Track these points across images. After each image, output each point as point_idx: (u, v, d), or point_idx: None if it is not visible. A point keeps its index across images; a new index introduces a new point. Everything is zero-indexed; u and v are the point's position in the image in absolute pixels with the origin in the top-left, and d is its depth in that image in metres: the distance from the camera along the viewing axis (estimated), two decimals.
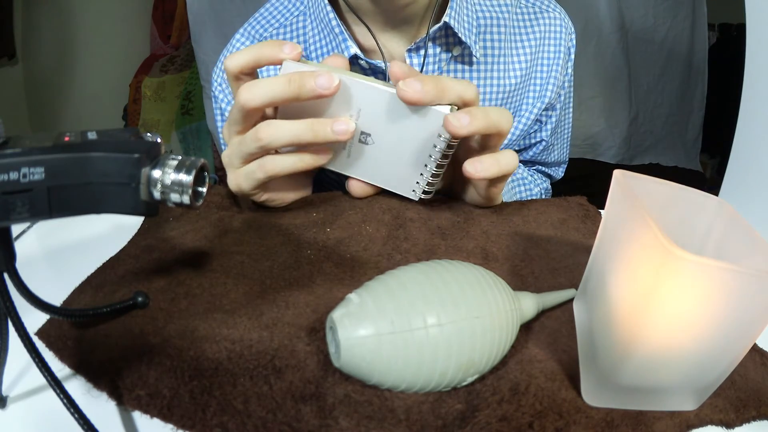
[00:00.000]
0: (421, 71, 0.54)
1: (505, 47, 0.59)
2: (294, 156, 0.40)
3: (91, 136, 0.24)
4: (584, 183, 0.75)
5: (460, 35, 0.54)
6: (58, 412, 0.24)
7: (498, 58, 0.59)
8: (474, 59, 0.57)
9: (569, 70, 0.65)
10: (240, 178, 0.41)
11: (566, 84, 0.65)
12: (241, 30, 0.61)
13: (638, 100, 1.95)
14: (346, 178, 0.45)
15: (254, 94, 0.36)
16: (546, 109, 0.64)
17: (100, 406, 0.26)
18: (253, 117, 0.39)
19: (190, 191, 0.24)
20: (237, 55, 0.38)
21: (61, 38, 2.14)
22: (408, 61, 0.54)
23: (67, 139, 0.23)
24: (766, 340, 0.32)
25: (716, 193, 0.71)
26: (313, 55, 0.57)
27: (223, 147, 0.68)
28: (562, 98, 0.65)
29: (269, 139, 0.37)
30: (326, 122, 0.38)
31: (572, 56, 0.64)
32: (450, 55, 0.56)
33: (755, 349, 0.32)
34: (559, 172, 0.76)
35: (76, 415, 0.23)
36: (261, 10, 0.62)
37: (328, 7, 0.53)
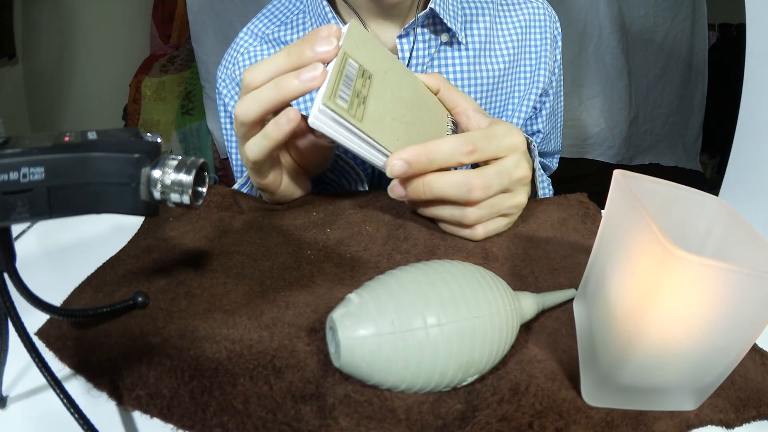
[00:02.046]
0: (410, 55, 0.57)
1: (491, 35, 0.62)
2: (258, 136, 0.39)
3: (91, 136, 0.24)
4: (584, 183, 0.75)
5: (446, 22, 0.57)
6: (58, 412, 0.24)
7: (485, 45, 0.62)
8: (462, 46, 0.60)
9: (558, 57, 0.67)
10: (245, 159, 0.41)
11: (556, 70, 0.67)
12: (245, 29, 0.64)
13: (638, 100, 1.95)
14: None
15: (255, 74, 0.37)
16: (540, 95, 0.66)
17: (100, 406, 0.26)
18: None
19: (190, 191, 0.24)
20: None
21: (61, 38, 2.14)
22: (399, 46, 0.57)
23: (67, 139, 0.23)
24: (766, 340, 0.32)
25: (716, 193, 0.71)
26: None
27: (226, 146, 0.69)
28: (554, 84, 0.68)
29: (242, 111, 0.38)
30: (292, 75, 0.36)
31: (559, 44, 0.67)
32: (439, 40, 0.59)
33: (755, 349, 0.32)
34: (554, 163, 0.78)
35: (76, 415, 0.23)
36: (264, 10, 0.65)
37: (324, 2, 0.57)
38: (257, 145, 0.39)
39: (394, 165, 0.37)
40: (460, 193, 0.38)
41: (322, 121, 0.36)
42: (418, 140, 0.41)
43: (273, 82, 0.37)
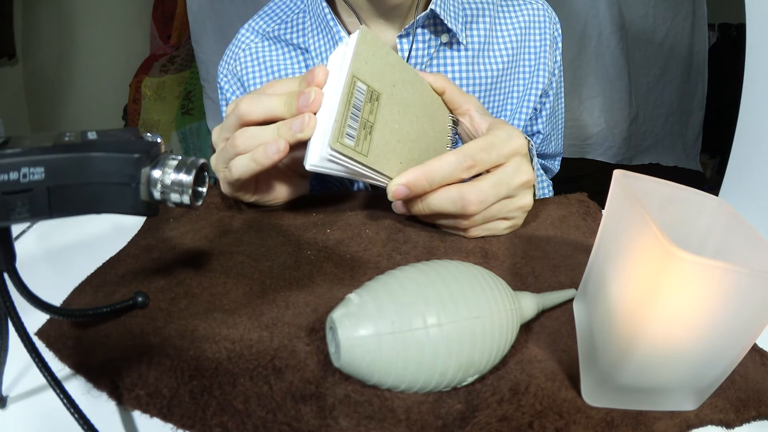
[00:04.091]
0: (409, 56, 0.57)
1: (490, 35, 0.62)
2: (246, 157, 0.39)
3: (91, 136, 0.24)
4: (584, 183, 0.75)
5: (446, 22, 0.57)
6: (58, 412, 0.24)
7: (484, 45, 0.62)
8: (462, 46, 0.60)
9: (558, 58, 0.67)
10: (222, 182, 0.43)
11: (556, 71, 0.67)
12: (246, 26, 0.65)
13: (638, 100, 1.95)
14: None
15: (253, 107, 0.38)
16: (540, 96, 0.66)
17: (100, 406, 0.26)
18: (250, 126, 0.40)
19: (190, 191, 0.24)
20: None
21: (61, 38, 2.14)
22: (399, 46, 0.57)
23: (67, 139, 0.23)
24: (766, 340, 0.32)
25: (716, 193, 0.71)
26: (312, 48, 0.60)
27: None
28: (554, 85, 0.67)
29: (243, 145, 0.39)
30: (288, 123, 0.37)
31: (559, 45, 0.67)
32: (439, 41, 0.59)
33: (755, 349, 0.32)
34: (555, 165, 0.78)
35: (76, 415, 0.23)
36: (265, 8, 0.66)
37: (324, 2, 0.57)
38: (243, 166, 0.39)
39: (395, 191, 0.38)
40: (456, 208, 0.39)
41: (324, 165, 0.36)
42: (420, 155, 0.41)
43: (275, 127, 0.38)
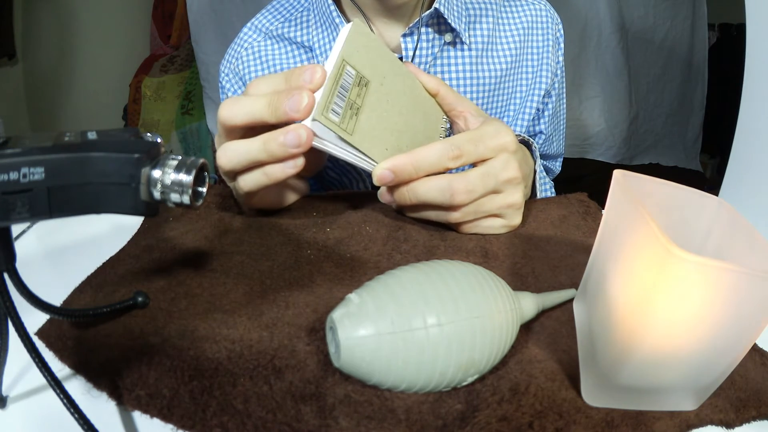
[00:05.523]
0: (414, 55, 0.58)
1: (494, 35, 0.62)
2: (257, 171, 0.38)
3: (91, 136, 0.24)
4: (584, 183, 0.75)
5: (450, 22, 0.57)
6: (58, 412, 0.24)
7: (488, 45, 0.62)
8: (465, 46, 0.60)
9: (560, 59, 0.67)
10: (233, 190, 0.43)
11: (558, 72, 0.67)
12: (249, 24, 0.65)
13: (638, 100, 1.96)
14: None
15: (234, 112, 0.36)
16: (543, 96, 0.66)
17: (100, 406, 0.26)
18: (236, 133, 0.38)
19: (190, 191, 0.24)
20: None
21: (61, 38, 2.14)
22: (403, 45, 0.57)
23: (67, 139, 0.23)
24: (766, 340, 0.32)
25: (716, 193, 0.71)
26: (316, 45, 0.60)
27: None
28: (556, 86, 0.68)
29: (229, 165, 0.37)
30: (278, 134, 0.35)
31: (561, 46, 0.67)
32: (443, 40, 0.59)
33: (755, 349, 0.32)
34: (557, 166, 0.78)
35: (76, 415, 0.23)
36: (268, 6, 0.66)
37: (329, 0, 0.57)
38: (254, 180, 0.38)
39: (380, 174, 0.38)
40: (444, 198, 0.39)
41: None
42: (408, 147, 0.41)
43: (262, 141, 0.35)
